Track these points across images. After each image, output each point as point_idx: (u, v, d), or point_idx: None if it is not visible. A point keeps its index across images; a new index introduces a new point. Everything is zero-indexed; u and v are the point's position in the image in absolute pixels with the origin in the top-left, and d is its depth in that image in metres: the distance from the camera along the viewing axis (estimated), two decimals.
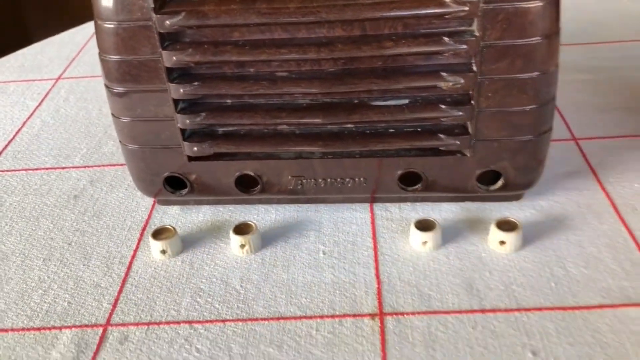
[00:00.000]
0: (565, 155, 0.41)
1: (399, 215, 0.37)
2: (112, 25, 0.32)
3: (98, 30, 0.33)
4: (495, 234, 0.34)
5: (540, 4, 0.29)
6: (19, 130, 0.50)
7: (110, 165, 0.44)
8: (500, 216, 0.35)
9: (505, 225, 0.34)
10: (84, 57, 0.61)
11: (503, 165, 0.34)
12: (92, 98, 0.53)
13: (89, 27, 0.68)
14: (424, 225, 0.34)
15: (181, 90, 0.33)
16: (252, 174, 0.36)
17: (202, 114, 0.34)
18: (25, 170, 0.45)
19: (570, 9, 0.61)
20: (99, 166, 0.44)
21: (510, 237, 0.33)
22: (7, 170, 0.45)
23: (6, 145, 0.48)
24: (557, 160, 0.40)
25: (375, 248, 0.35)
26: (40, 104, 0.53)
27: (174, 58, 0.32)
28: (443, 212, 0.37)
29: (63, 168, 0.45)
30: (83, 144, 0.47)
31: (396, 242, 0.35)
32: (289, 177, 0.36)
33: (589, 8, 0.61)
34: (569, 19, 0.59)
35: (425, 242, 0.34)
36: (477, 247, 0.34)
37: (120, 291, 0.34)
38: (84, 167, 0.45)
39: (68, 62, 0.60)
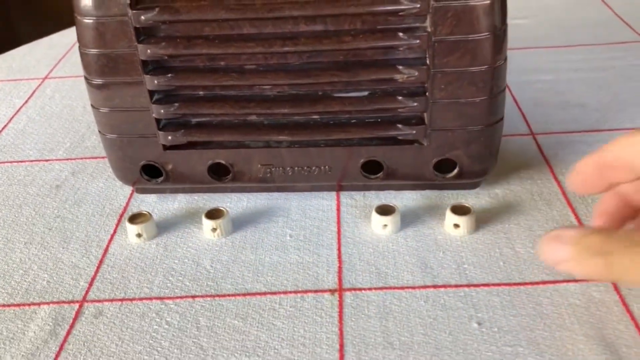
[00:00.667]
0: (523, 149, 0.43)
1: (363, 202, 0.39)
2: (90, 21, 0.34)
3: (78, 25, 0.35)
4: (450, 218, 0.36)
5: (487, 2, 0.32)
6: (5, 125, 0.52)
7: (92, 157, 0.47)
8: (456, 202, 0.37)
9: (460, 210, 0.36)
10: (72, 57, 0.64)
11: (458, 153, 0.36)
12: (77, 96, 0.56)
13: None
14: (384, 210, 0.37)
15: (155, 82, 0.35)
16: (224, 162, 0.38)
17: (176, 104, 0.36)
18: (10, 162, 0.47)
19: (537, 15, 0.64)
20: (81, 159, 0.47)
21: (463, 221, 0.35)
22: None
23: None
24: (515, 153, 0.43)
25: (339, 232, 0.37)
26: (26, 101, 0.55)
27: (149, 51, 0.34)
28: (404, 199, 0.39)
29: (47, 160, 0.47)
30: (67, 138, 0.49)
31: (359, 226, 0.37)
32: (259, 166, 0.38)
33: (556, 14, 0.64)
34: (535, 24, 0.62)
35: (385, 226, 0.36)
36: (434, 231, 0.37)
37: (96, 271, 0.36)
38: (67, 159, 0.47)
39: (55, 63, 0.63)
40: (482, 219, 0.37)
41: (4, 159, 0.47)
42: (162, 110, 0.36)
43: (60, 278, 0.36)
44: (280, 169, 0.38)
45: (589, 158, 0.30)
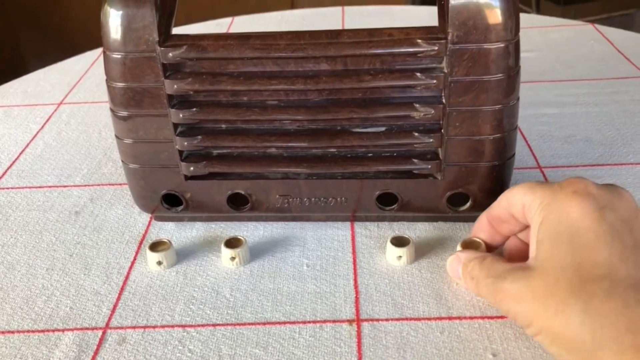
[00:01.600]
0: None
1: (377, 233, 0.41)
2: (119, 56, 0.36)
3: (106, 60, 0.36)
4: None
5: (502, 45, 0.34)
6: (23, 151, 0.53)
7: (110, 184, 0.48)
8: (466, 237, 0.39)
9: (470, 246, 0.37)
10: (85, 84, 0.65)
11: (470, 188, 0.38)
12: (93, 122, 0.57)
13: (89, 55, 0.72)
14: (399, 242, 0.38)
15: (180, 115, 0.37)
16: (243, 192, 0.39)
17: (199, 137, 0.38)
18: (29, 188, 0.48)
19: (542, 49, 0.66)
20: (98, 185, 0.48)
21: None
22: (12, 188, 0.48)
23: (10, 165, 0.51)
24: None
25: (354, 262, 0.38)
26: (42, 127, 0.57)
27: (175, 86, 0.36)
28: (417, 230, 0.41)
29: (65, 186, 0.48)
30: (84, 164, 0.51)
31: (374, 257, 0.39)
32: (277, 196, 0.39)
33: (559, 49, 0.66)
34: (540, 58, 0.64)
35: (400, 257, 0.38)
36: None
37: (118, 298, 0.37)
38: (85, 185, 0.48)
39: (69, 88, 0.64)
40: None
41: (23, 184, 0.48)
42: (185, 143, 0.38)
43: (83, 304, 0.37)
44: (298, 199, 0.39)
45: (482, 215, 0.36)
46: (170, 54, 0.35)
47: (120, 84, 0.37)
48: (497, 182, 0.38)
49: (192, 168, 0.39)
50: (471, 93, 0.35)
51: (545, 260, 0.29)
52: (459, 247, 0.37)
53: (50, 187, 0.48)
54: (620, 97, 0.55)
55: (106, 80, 0.37)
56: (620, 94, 0.56)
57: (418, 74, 0.35)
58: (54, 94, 0.63)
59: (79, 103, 0.61)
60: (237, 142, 0.38)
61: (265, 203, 0.40)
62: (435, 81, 0.35)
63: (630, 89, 0.57)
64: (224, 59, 0.35)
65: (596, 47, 0.65)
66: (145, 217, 0.44)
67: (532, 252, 0.31)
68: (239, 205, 0.40)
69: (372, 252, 0.39)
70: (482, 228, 0.36)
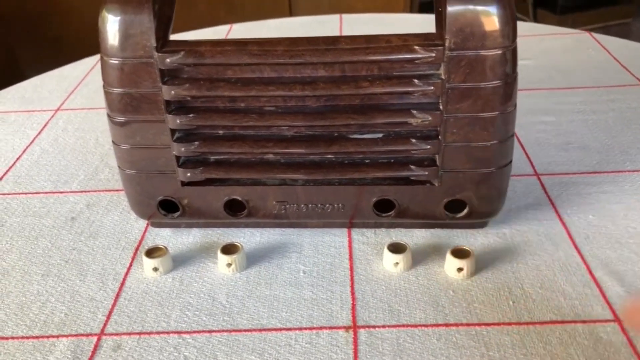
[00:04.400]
0: (528, 189, 0.45)
1: (374, 239, 0.41)
2: (117, 61, 0.36)
3: (104, 65, 0.37)
4: (452, 262, 0.37)
5: (499, 52, 0.34)
6: (20, 157, 0.53)
7: (106, 190, 0.48)
8: (457, 244, 0.39)
9: (460, 254, 0.37)
10: (82, 90, 0.65)
11: (468, 194, 0.38)
12: (89, 129, 0.57)
13: (87, 62, 0.72)
14: (396, 248, 0.38)
15: (178, 121, 0.37)
16: (240, 198, 0.39)
17: (196, 142, 0.38)
18: (25, 194, 0.48)
19: (538, 57, 0.66)
20: (95, 191, 0.48)
21: (466, 264, 0.37)
22: (8, 194, 0.48)
23: (7, 171, 0.51)
24: (521, 194, 0.44)
25: (351, 269, 0.38)
26: (39, 133, 0.57)
27: (173, 92, 0.36)
28: (415, 237, 0.41)
29: (61, 192, 0.48)
30: (80, 170, 0.51)
31: (371, 263, 0.39)
32: (274, 202, 0.39)
33: (556, 57, 0.66)
34: (537, 66, 0.64)
35: (397, 264, 0.38)
36: (444, 269, 0.38)
37: (114, 304, 0.37)
38: (81, 192, 0.48)
39: (67, 95, 0.64)
40: (490, 259, 0.38)
41: (19, 190, 0.48)
42: (182, 148, 0.38)
43: (78, 311, 0.36)
44: (295, 205, 0.39)
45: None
46: (168, 60, 0.35)
47: (117, 90, 0.37)
48: (494, 189, 0.38)
49: (189, 174, 0.39)
50: (468, 100, 0.35)
51: None
52: (448, 254, 0.37)
53: (46, 193, 0.48)
54: (617, 105, 0.56)
55: (103, 85, 0.37)
56: (617, 102, 0.56)
57: (415, 81, 0.35)
58: (51, 100, 0.63)
59: (76, 109, 0.61)
60: (235, 148, 0.38)
61: (262, 209, 0.40)
62: (432, 88, 0.35)
63: (627, 97, 0.57)
64: (221, 65, 0.35)
65: (593, 55, 0.66)
66: (142, 223, 0.44)
67: None
68: (236, 212, 0.40)
69: (369, 258, 0.39)
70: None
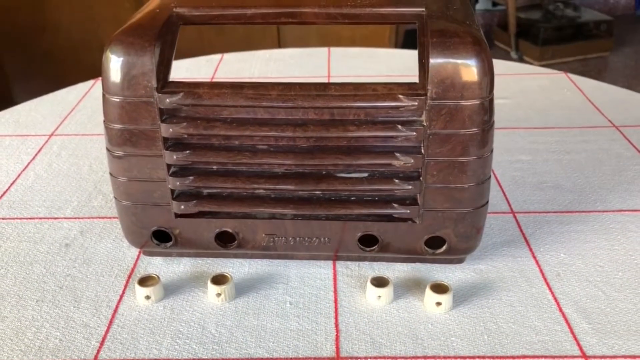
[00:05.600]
0: (504, 226, 0.47)
1: (358, 272, 0.43)
2: (118, 99, 0.38)
3: (105, 102, 0.39)
4: (431, 297, 0.39)
5: (477, 102, 0.37)
6: (14, 182, 0.54)
7: (100, 217, 0.49)
8: (436, 279, 0.41)
9: (439, 289, 0.39)
10: (76, 115, 0.67)
11: (447, 232, 0.40)
12: (83, 155, 0.59)
13: (81, 87, 0.74)
14: (379, 282, 0.40)
15: (174, 157, 0.39)
16: (231, 231, 0.41)
17: (191, 177, 0.40)
18: (20, 219, 0.49)
19: (516, 96, 0.70)
20: (89, 218, 0.49)
21: (444, 299, 0.39)
22: (2, 219, 0.49)
23: (2, 196, 0.52)
24: (497, 230, 0.47)
25: (335, 301, 0.40)
26: (34, 158, 0.58)
27: (171, 130, 0.38)
28: (396, 271, 0.43)
29: (55, 218, 0.49)
30: (74, 197, 0.52)
31: (354, 296, 0.41)
32: (263, 235, 0.41)
33: (533, 96, 0.69)
34: (515, 105, 0.67)
35: (379, 297, 0.40)
36: (424, 303, 0.40)
37: (107, 331, 0.38)
38: (75, 218, 0.49)
39: (61, 120, 0.66)
40: (468, 294, 0.41)
41: (13, 215, 0.50)
42: (177, 182, 0.40)
43: (72, 337, 0.38)
44: (283, 238, 0.41)
45: None
46: (168, 100, 0.37)
47: (117, 126, 0.39)
48: (471, 227, 0.40)
49: (182, 206, 0.41)
50: (448, 145, 0.38)
51: None
52: (427, 288, 0.39)
53: (40, 218, 0.49)
54: (590, 146, 0.59)
55: (104, 121, 0.39)
56: (589, 143, 0.59)
57: (399, 126, 0.37)
58: (45, 125, 0.65)
59: (70, 135, 0.63)
60: (227, 183, 0.40)
61: (251, 241, 0.42)
62: (415, 133, 0.37)
63: (598, 138, 0.60)
64: (218, 106, 0.38)
65: (568, 96, 0.69)
66: (134, 251, 0.45)
67: None
68: (226, 243, 0.42)
69: (352, 291, 0.41)
70: None
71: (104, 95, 0.39)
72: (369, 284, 0.40)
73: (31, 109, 0.68)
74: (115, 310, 0.40)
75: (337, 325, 0.38)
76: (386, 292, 0.40)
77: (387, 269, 0.43)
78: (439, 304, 0.39)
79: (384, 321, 0.39)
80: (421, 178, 0.39)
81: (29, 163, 0.57)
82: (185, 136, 0.39)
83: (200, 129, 0.38)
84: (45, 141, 0.61)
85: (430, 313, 0.39)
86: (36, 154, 0.59)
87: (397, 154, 0.38)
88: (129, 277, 0.43)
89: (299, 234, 0.41)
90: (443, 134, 0.37)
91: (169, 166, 0.39)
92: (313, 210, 0.40)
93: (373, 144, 0.38)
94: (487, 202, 0.40)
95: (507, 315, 0.39)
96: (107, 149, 0.40)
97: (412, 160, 0.38)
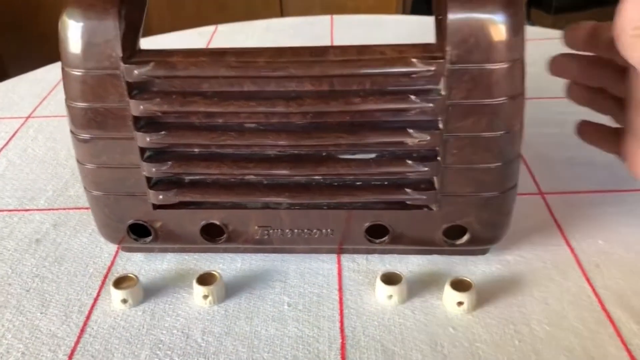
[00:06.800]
0: (532, 210, 0.41)
1: (365, 267, 0.37)
2: (79, 73, 0.32)
3: (65, 77, 0.33)
4: (451, 296, 0.34)
5: (505, 65, 0.30)
6: None
7: (76, 208, 0.44)
8: (457, 274, 0.35)
9: (461, 286, 0.34)
10: (57, 95, 0.61)
11: (469, 220, 0.34)
12: (61, 138, 0.53)
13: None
14: (390, 279, 0.34)
15: (148, 139, 0.33)
16: (218, 223, 0.36)
17: (169, 162, 0.34)
18: None
19: (539, 64, 0.63)
20: (64, 209, 0.44)
21: (467, 297, 0.33)
22: None
23: None
24: (524, 214, 0.41)
25: (340, 301, 0.35)
26: (7, 142, 0.53)
27: (141, 107, 0.32)
28: (410, 264, 0.37)
29: (26, 210, 0.44)
30: (49, 185, 0.46)
31: (362, 294, 0.35)
32: (256, 227, 0.36)
33: None
34: (537, 74, 0.60)
35: (390, 296, 0.34)
36: (443, 302, 0.34)
37: (77, 341, 0.33)
38: (49, 209, 0.44)
39: (39, 101, 0.60)
40: (493, 290, 0.35)
41: None
42: (153, 169, 0.34)
43: (37, 349, 0.33)
44: (279, 231, 0.36)
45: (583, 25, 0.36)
46: (136, 72, 0.31)
47: (81, 104, 0.33)
48: (498, 214, 0.34)
49: (161, 196, 0.35)
50: (471, 118, 0.31)
51: None
52: (447, 286, 0.33)
53: (10, 210, 0.44)
54: None
55: (65, 99, 0.33)
56: None
57: (412, 97, 0.31)
58: (22, 107, 0.59)
59: (48, 117, 0.57)
60: (212, 169, 0.34)
61: (243, 234, 0.36)
62: (431, 105, 0.31)
63: None
64: (196, 77, 0.32)
65: None
66: (112, 246, 0.40)
67: None
68: (214, 237, 0.37)
69: (360, 289, 0.35)
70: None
71: (63, 69, 0.33)
72: (378, 281, 0.34)
73: (8, 89, 0.62)
74: (88, 317, 0.34)
75: (342, 331, 0.33)
76: (399, 290, 0.34)
77: (400, 263, 0.37)
78: (460, 303, 0.33)
79: (397, 325, 0.33)
80: (439, 158, 0.33)
81: (1, 149, 0.52)
82: (160, 114, 0.33)
83: (176, 105, 0.32)
84: (21, 124, 0.55)
85: (451, 314, 0.34)
86: (10, 138, 0.53)
87: (410, 130, 0.32)
88: (105, 276, 0.37)
89: (297, 226, 0.35)
90: (465, 105, 0.31)
91: (142, 150, 0.34)
92: (312, 198, 0.34)
93: (381, 118, 0.32)
94: (516, 184, 0.34)
95: (540, 315, 0.33)
96: (71, 132, 0.34)
97: (428, 137, 0.32)
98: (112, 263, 0.38)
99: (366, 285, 0.36)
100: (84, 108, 0.33)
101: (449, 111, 0.31)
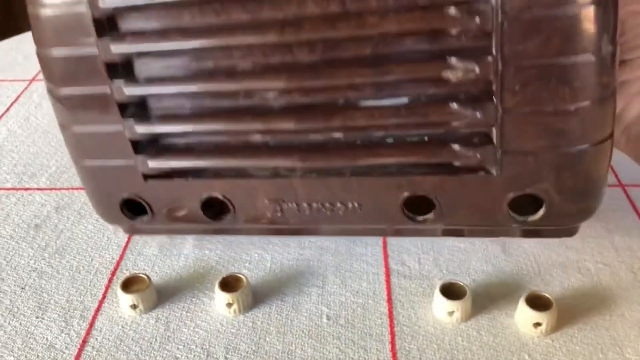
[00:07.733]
0: (613, 205, 0.43)
1: (418, 271, 0.40)
2: (50, 12, 0.36)
3: (33, 20, 0.37)
4: (525, 314, 0.35)
5: None
6: None
7: (82, 188, 0.49)
8: (531, 289, 0.37)
9: (538, 302, 0.35)
10: None
11: (544, 187, 0.35)
12: None
13: None
14: (452, 291, 0.37)
15: (124, 91, 0.38)
16: (220, 196, 0.39)
17: (152, 119, 0.39)
18: None
19: None
20: (67, 189, 0.50)
21: (543, 317, 0.35)
22: None
23: None
24: (603, 211, 0.41)
25: (390, 315, 0.38)
26: (8, 109, 0.61)
27: (112, 48, 0.36)
28: (472, 270, 0.40)
29: (26, 189, 0.50)
30: (52, 160, 0.53)
31: (416, 308, 0.38)
32: (266, 201, 0.39)
33: None
34: None
35: (451, 312, 0.37)
36: (515, 321, 0.36)
37: (78, 355, 0.38)
38: (51, 189, 0.50)
39: None
40: (575, 307, 0.37)
41: None
42: (135, 128, 0.39)
43: None
44: (294, 205, 0.39)
45: None
46: (100, 3, 0.35)
47: (54, 52, 0.37)
48: (585, 178, 0.35)
49: (150, 163, 0.40)
50: (538, 37, 0.31)
51: None
52: (521, 302, 0.35)
53: (8, 189, 0.51)
54: None
55: (36, 50, 0.38)
56: None
57: (452, 10, 0.32)
58: (26, 67, 0.67)
59: None
60: (203, 125, 0.38)
61: (251, 210, 0.40)
62: (478, 20, 0.32)
63: None
64: (172, 4, 0.35)
65: None
66: (122, 237, 0.46)
67: None
68: (217, 214, 0.41)
69: (413, 300, 0.39)
70: None
71: (30, 14, 0.37)
72: (437, 294, 0.37)
73: (11, 47, 0.70)
74: (91, 325, 0.40)
75: (394, 354, 0.36)
76: (462, 306, 0.36)
77: (459, 269, 0.40)
78: (538, 324, 0.35)
79: (460, 348, 0.35)
80: (495, 98, 0.33)
81: (1, 115, 0.59)
82: (134, 57, 0.37)
83: (151, 42, 0.36)
84: (24, 87, 0.63)
85: (526, 337, 0.36)
86: (11, 104, 0.61)
87: (452, 60, 0.33)
88: (113, 273, 0.43)
89: (315, 199, 0.39)
90: (528, 19, 0.31)
91: (121, 106, 0.38)
92: (329, 162, 0.37)
93: (412, 46, 0.34)
94: (612, 134, 0.35)
95: (635, 341, 0.34)
96: (49, 91, 0.39)
97: (477, 68, 0.33)
98: (121, 257, 0.44)
99: (420, 296, 0.39)
100: (57, 58, 0.37)
101: (504, 28, 0.32)
